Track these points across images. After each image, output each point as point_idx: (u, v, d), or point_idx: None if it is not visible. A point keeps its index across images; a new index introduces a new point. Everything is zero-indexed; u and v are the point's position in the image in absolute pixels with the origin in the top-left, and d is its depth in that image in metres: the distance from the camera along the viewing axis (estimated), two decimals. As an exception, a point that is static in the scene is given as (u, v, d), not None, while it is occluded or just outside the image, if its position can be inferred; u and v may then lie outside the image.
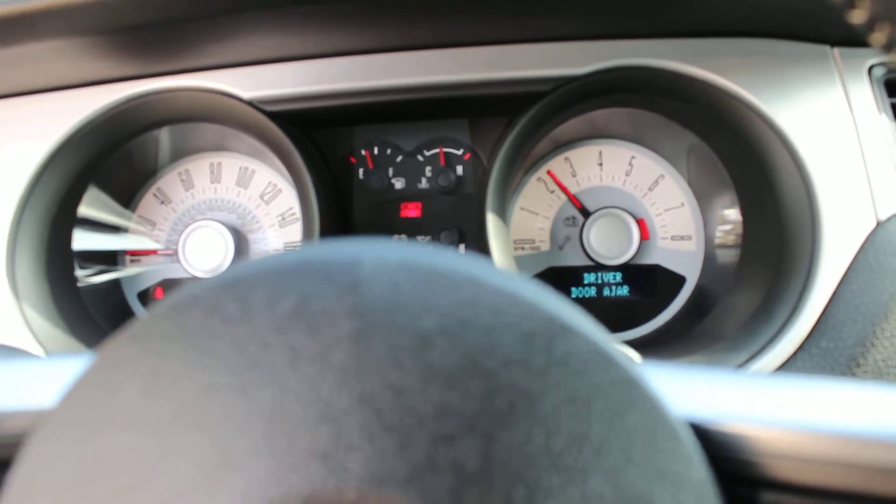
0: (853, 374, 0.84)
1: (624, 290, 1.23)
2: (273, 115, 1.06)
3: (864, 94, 0.94)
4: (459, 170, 1.21)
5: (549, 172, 1.25)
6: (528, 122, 1.04)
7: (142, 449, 0.33)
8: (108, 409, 0.34)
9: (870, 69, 0.96)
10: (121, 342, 0.35)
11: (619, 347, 0.35)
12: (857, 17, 0.39)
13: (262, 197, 1.29)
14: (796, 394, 0.39)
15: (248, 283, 0.34)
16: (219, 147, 1.29)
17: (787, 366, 0.88)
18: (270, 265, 0.35)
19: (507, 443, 0.31)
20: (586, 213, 1.22)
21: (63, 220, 1.14)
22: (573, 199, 1.23)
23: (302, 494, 0.30)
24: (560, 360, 0.33)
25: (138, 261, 1.30)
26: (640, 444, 0.33)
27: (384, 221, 1.22)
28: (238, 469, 0.31)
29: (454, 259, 0.36)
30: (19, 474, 0.34)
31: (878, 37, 0.38)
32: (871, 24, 0.38)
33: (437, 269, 0.34)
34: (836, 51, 0.97)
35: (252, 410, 0.32)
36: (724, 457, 0.37)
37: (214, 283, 0.35)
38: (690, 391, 0.39)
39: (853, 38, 0.96)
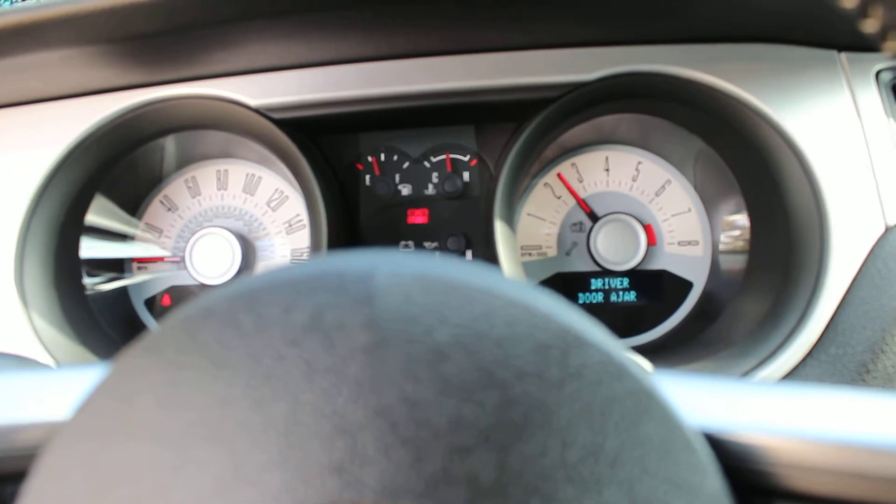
0: (863, 381, 0.84)
1: (631, 296, 1.23)
2: (280, 123, 1.06)
3: (872, 98, 0.94)
4: (466, 176, 1.21)
5: (558, 175, 1.25)
6: (535, 128, 1.04)
7: (156, 461, 0.33)
8: (122, 421, 0.34)
9: (877, 74, 0.95)
10: (135, 353, 0.35)
11: (633, 358, 0.35)
12: (870, 26, 0.39)
13: (268, 204, 1.29)
14: (810, 403, 0.39)
15: (262, 295, 0.34)
16: (225, 154, 1.30)
17: (795, 372, 0.88)
18: (285, 277, 0.35)
19: (522, 455, 0.31)
20: (595, 218, 1.22)
21: (71, 227, 1.14)
22: (582, 204, 1.23)
23: (317, 507, 0.30)
24: (575, 372, 0.33)
25: (145, 268, 1.31)
26: (654, 455, 0.33)
27: (391, 227, 1.22)
28: (253, 482, 0.31)
29: (468, 270, 0.35)
30: (34, 486, 0.34)
31: (892, 45, 0.38)
32: (883, 33, 0.38)
33: (451, 280, 0.34)
34: (844, 55, 0.96)
35: (267, 423, 0.32)
36: (739, 467, 0.37)
37: (228, 295, 0.35)
38: (704, 401, 0.39)
39: (860, 43, 0.95)
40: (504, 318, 0.33)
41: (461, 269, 0.35)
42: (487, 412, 0.31)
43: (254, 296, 0.35)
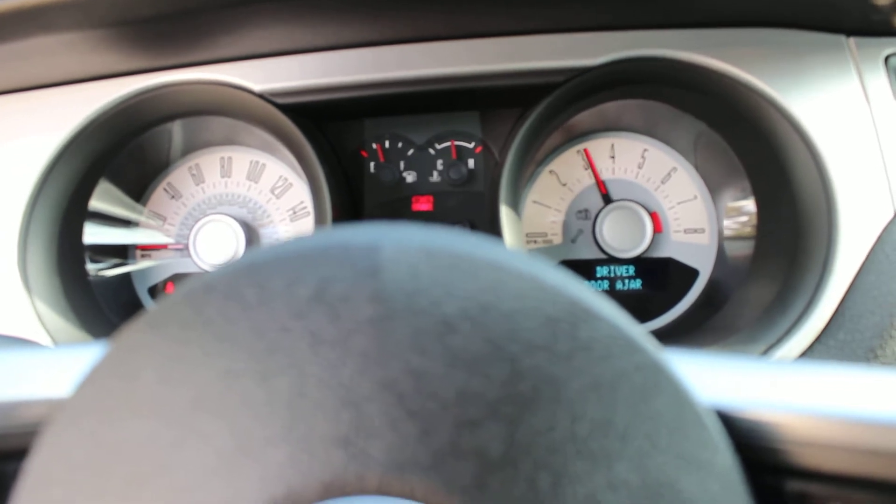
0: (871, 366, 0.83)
1: (637, 284, 1.22)
2: (284, 108, 1.05)
3: (881, 83, 0.93)
4: (471, 163, 1.20)
5: (585, 150, 1.24)
6: (540, 114, 1.03)
7: (159, 436, 0.32)
8: (124, 397, 0.33)
9: (886, 59, 0.95)
10: (137, 329, 0.34)
11: (643, 333, 0.34)
12: (884, -3, 0.38)
13: (272, 191, 1.29)
14: (822, 380, 0.38)
15: (266, 267, 0.34)
16: (229, 141, 1.29)
17: (803, 358, 0.87)
18: (289, 250, 0.35)
19: (531, 428, 0.31)
20: (608, 200, 1.21)
21: (74, 213, 1.14)
22: (600, 184, 1.22)
23: (322, 481, 0.30)
24: (584, 345, 0.32)
25: (149, 255, 1.30)
26: (665, 431, 0.32)
27: (395, 215, 1.21)
28: (257, 456, 0.31)
29: (475, 243, 0.35)
30: (36, 463, 0.34)
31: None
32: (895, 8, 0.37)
33: (459, 253, 0.34)
34: (852, 40, 0.95)
35: (271, 396, 0.32)
36: (750, 444, 0.36)
37: (232, 269, 0.34)
38: (716, 378, 0.38)
39: (869, 28, 0.95)
40: (513, 290, 0.33)
41: (469, 242, 0.35)
42: (495, 385, 0.31)
43: (257, 269, 0.34)
